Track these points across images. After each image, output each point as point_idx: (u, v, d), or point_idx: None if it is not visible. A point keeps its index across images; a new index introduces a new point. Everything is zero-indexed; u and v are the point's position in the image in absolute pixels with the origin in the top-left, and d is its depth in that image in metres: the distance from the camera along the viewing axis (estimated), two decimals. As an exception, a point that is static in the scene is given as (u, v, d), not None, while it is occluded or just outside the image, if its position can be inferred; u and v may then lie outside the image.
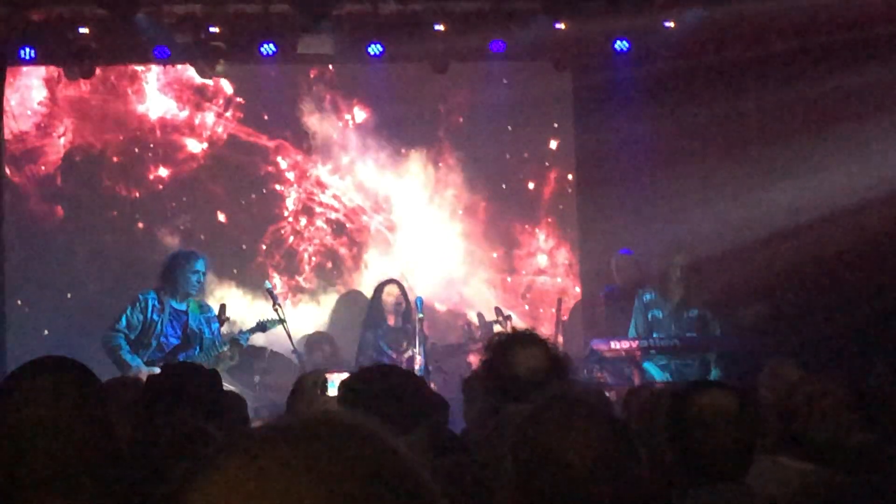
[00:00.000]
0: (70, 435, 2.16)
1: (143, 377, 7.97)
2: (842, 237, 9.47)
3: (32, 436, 2.17)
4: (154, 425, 3.79)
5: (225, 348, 8.77)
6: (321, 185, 10.78)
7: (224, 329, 9.09)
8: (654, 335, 8.74)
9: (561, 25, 9.98)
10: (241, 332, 9.00)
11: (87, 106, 10.45)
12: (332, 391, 5.70)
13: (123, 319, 8.63)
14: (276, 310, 9.04)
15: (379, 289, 9.37)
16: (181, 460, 1.18)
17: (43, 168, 10.42)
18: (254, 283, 10.55)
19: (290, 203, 10.74)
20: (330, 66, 10.77)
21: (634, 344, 8.61)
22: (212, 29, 9.82)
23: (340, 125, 10.82)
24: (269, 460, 1.13)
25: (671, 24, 9.98)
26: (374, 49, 10.04)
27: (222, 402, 4.17)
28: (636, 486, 2.34)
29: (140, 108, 10.56)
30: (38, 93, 10.46)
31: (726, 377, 8.25)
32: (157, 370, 8.49)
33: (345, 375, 4.27)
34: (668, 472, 3.22)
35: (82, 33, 9.75)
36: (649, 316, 8.90)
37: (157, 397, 4.01)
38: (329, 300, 10.72)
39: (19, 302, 10.28)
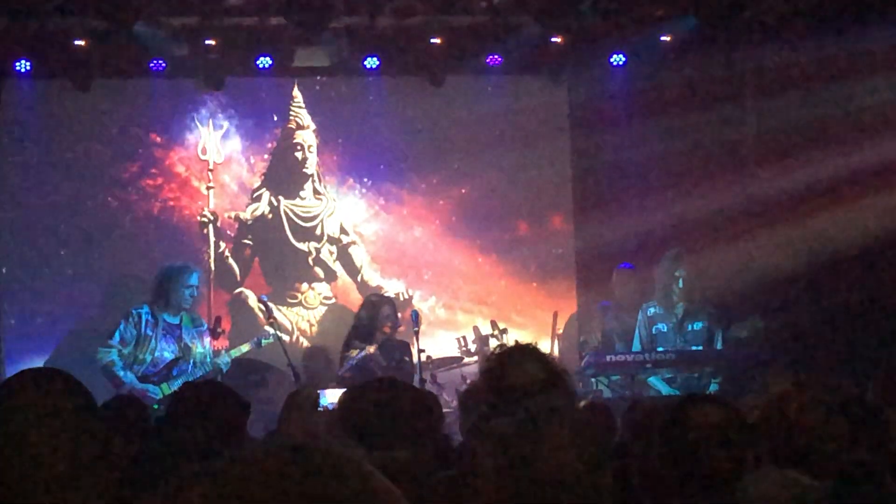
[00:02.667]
0: (63, 446, 2.15)
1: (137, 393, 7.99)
2: (840, 250, 9.48)
3: (25, 446, 2.15)
4: (164, 441, 3.78)
5: (219, 361, 8.76)
6: (317, 194, 10.77)
7: (218, 343, 9.08)
8: (659, 349, 8.72)
9: (557, 39, 10.01)
10: (236, 347, 9.02)
11: (75, 111, 10.41)
12: (325, 406, 5.68)
13: (117, 335, 8.61)
14: (270, 323, 9.03)
15: (372, 302, 9.29)
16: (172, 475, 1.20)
17: (30, 176, 10.38)
18: (248, 295, 10.54)
19: (284, 213, 10.72)
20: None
21: (630, 358, 8.59)
22: (208, 42, 9.83)
23: (337, 135, 10.81)
24: (249, 487, 1.15)
25: (667, 38, 10.01)
26: (371, 62, 10.06)
27: (243, 425, 4.12)
28: (611, 498, 2.35)
29: (131, 115, 10.54)
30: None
31: (724, 390, 8.24)
32: (151, 387, 8.52)
33: (339, 391, 4.25)
34: (663, 484, 3.22)
35: (79, 46, 9.75)
36: (653, 330, 8.89)
37: (180, 416, 3.96)
38: (325, 313, 10.70)
39: (11, 320, 10.23)
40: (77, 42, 9.72)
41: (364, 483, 1.17)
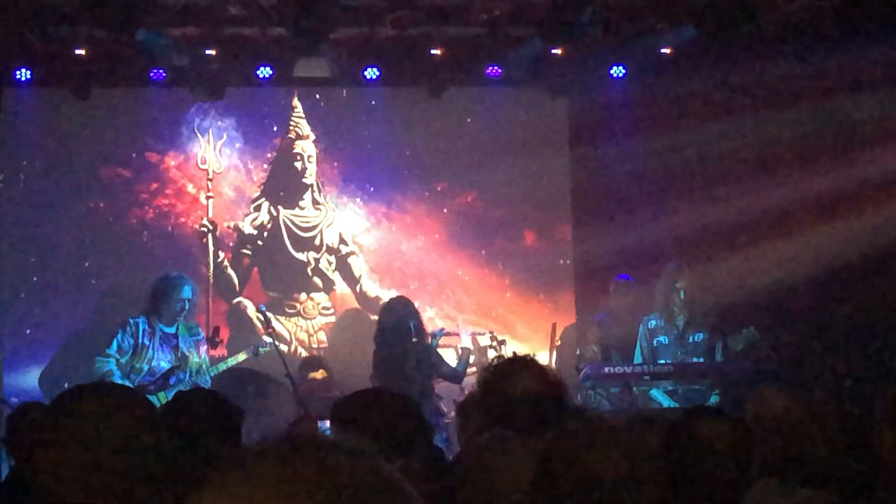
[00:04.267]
0: (131, 451, 2.19)
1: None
2: (840, 262, 9.48)
3: (98, 450, 2.19)
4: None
5: (215, 372, 8.75)
6: (316, 204, 10.77)
7: (216, 352, 9.06)
8: (661, 361, 8.70)
9: (557, 51, 10.02)
10: (233, 356, 9.00)
11: (75, 120, 10.40)
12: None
13: (114, 344, 8.60)
14: (269, 333, 9.02)
15: (395, 310, 8.97)
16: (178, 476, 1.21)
17: (28, 184, 10.38)
18: (247, 305, 10.53)
19: (283, 223, 10.72)
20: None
21: (627, 370, 8.57)
22: (208, 51, 9.83)
23: (337, 146, 10.81)
24: (264, 478, 1.15)
25: (667, 51, 10.02)
26: (371, 73, 10.08)
27: (237, 430, 4.11)
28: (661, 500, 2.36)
29: (131, 124, 10.53)
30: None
31: (724, 403, 8.22)
32: (149, 397, 8.50)
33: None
34: (664, 498, 3.21)
35: (79, 55, 9.76)
36: (655, 342, 8.86)
37: (171, 425, 3.94)
38: (323, 324, 10.68)
39: (3, 329, 10.22)
40: (77, 51, 9.73)
41: (383, 478, 1.19)
